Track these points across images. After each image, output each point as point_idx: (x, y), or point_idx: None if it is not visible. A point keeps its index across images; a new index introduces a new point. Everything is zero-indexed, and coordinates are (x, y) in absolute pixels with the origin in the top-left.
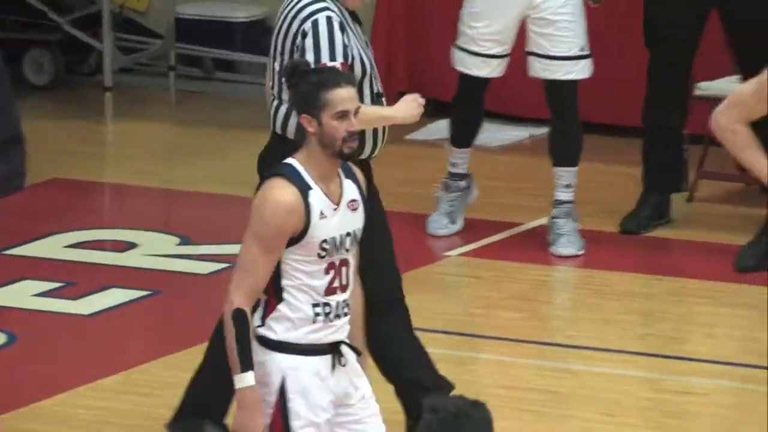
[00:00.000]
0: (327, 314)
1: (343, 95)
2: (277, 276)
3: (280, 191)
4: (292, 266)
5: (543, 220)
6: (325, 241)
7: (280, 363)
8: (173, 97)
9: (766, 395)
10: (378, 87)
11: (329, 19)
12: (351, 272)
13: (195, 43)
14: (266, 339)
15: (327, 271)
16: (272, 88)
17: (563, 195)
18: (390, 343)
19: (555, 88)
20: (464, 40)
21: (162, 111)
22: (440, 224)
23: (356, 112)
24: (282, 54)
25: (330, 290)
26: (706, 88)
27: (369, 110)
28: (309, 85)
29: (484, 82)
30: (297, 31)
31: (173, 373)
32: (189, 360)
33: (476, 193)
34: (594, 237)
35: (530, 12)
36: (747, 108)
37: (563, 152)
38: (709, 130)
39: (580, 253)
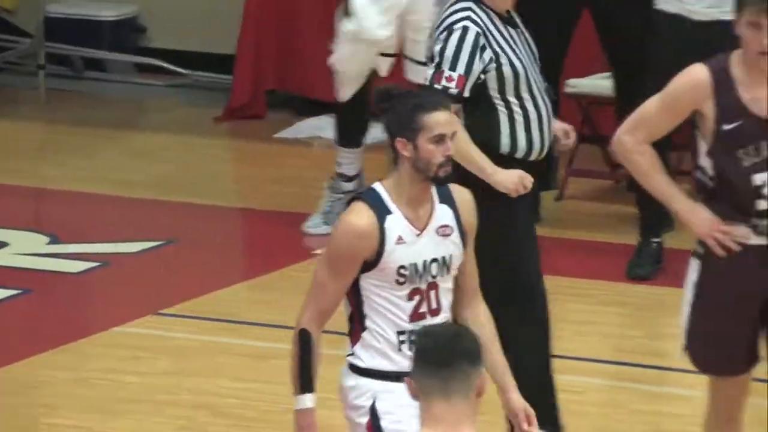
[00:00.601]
0: (413, 341)
1: (440, 118)
2: (359, 304)
3: (355, 215)
4: (372, 291)
5: None
6: (403, 267)
7: (370, 386)
8: (43, 96)
9: (640, 392)
10: (539, 90)
11: (465, 30)
12: (443, 296)
13: (64, 42)
14: (355, 366)
15: (411, 297)
16: None
17: None
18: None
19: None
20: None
21: (31, 110)
22: (313, 223)
23: (452, 136)
24: (427, 60)
25: (416, 316)
26: (575, 85)
27: (474, 153)
28: (405, 107)
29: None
30: (436, 37)
31: (44, 372)
32: (59, 359)
33: None
34: None
35: (407, 16)
36: (653, 124)
37: None
38: (580, 127)
39: None
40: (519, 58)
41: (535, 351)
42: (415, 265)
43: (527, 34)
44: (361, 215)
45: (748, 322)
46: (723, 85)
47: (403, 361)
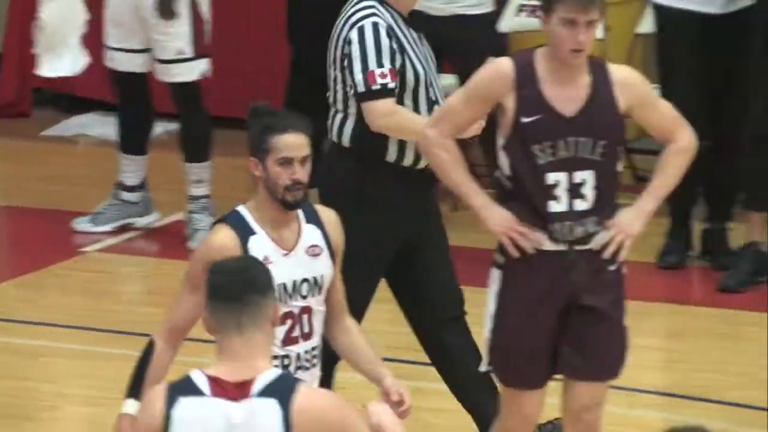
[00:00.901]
0: (286, 366)
1: (288, 141)
2: None
3: (216, 236)
4: None
5: (181, 215)
6: None
7: None
8: None
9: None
10: (435, 95)
11: (375, 25)
12: (316, 319)
13: None
14: None
15: (283, 321)
16: (329, 97)
17: (196, 190)
18: (458, 362)
19: (173, 88)
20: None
21: None
22: (82, 221)
23: (303, 161)
24: (334, 62)
25: (289, 340)
26: None
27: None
28: (258, 127)
29: (139, 78)
30: (345, 38)
31: None
32: None
33: (152, 218)
34: None
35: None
36: (456, 117)
37: (190, 148)
38: None
39: None
40: (420, 62)
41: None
42: (284, 285)
43: (424, 39)
44: (222, 235)
45: (546, 332)
46: (526, 78)
47: None
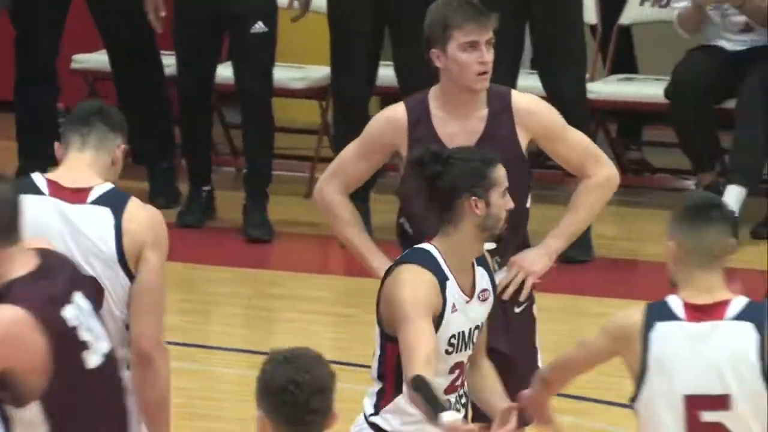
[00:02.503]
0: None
1: (502, 171)
2: (399, 369)
3: (416, 275)
4: None
5: None
6: (453, 336)
7: None
8: None
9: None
10: None
11: None
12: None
13: None
14: (380, 428)
15: (452, 371)
16: None
17: None
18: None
19: None
20: None
21: None
22: None
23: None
24: None
25: (451, 388)
26: (81, 60)
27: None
28: (470, 163)
29: None
30: None
31: None
32: None
33: None
34: None
35: None
36: (350, 171)
37: None
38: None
39: None
40: None
41: None
42: (463, 333)
43: None
44: (423, 276)
45: None
46: (418, 119)
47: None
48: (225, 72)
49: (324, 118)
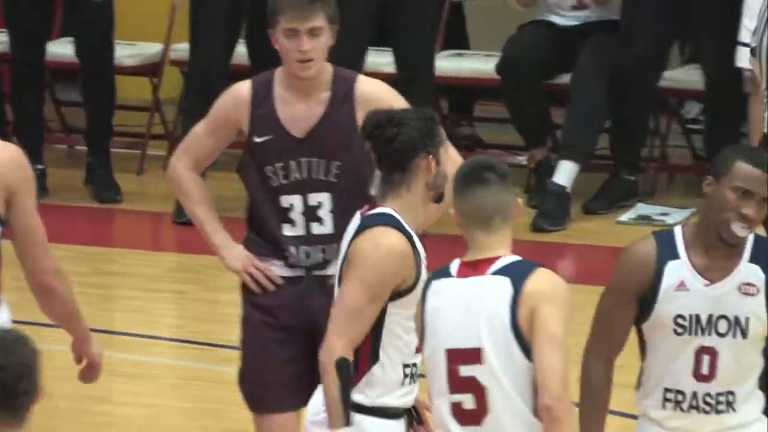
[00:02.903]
0: (413, 375)
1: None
2: (376, 336)
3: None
4: (394, 322)
5: None
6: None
7: (365, 429)
8: None
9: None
10: None
11: None
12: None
13: None
14: (359, 405)
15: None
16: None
17: None
18: None
19: None
20: None
21: None
22: None
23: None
24: None
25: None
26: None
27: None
28: (425, 122)
29: None
30: None
31: None
32: None
33: None
34: None
35: None
36: (200, 147)
37: None
38: None
39: None
40: None
41: None
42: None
43: None
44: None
45: (291, 358)
46: (262, 99)
47: (403, 399)
48: (56, 49)
49: (155, 95)
